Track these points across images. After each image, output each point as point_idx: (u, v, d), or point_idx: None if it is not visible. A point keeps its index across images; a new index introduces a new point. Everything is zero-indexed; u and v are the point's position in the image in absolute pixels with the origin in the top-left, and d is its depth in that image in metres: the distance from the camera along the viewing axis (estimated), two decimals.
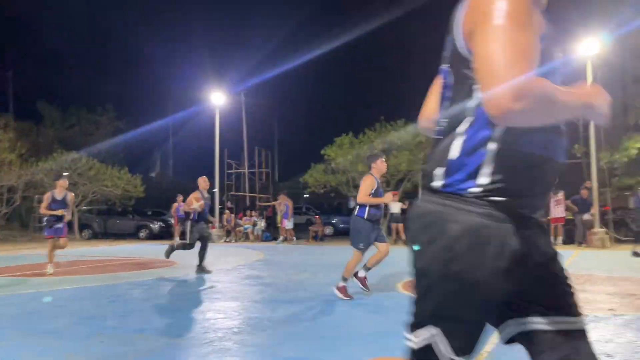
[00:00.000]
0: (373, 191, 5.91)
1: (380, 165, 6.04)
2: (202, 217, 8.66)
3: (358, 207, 5.97)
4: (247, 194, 23.59)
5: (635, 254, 11.20)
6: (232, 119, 23.67)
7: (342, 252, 13.52)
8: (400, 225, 16.03)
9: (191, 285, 7.47)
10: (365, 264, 6.23)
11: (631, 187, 16.06)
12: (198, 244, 8.66)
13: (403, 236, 16.06)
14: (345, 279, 5.99)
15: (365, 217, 5.90)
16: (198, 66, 60.24)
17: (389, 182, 18.69)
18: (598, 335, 4.24)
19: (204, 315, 5.29)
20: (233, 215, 20.77)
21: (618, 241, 15.51)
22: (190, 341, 4.16)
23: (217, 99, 20.70)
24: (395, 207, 16.14)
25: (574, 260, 10.43)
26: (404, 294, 6.43)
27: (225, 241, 19.30)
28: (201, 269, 8.56)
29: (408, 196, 17.73)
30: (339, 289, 5.99)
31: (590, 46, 14.54)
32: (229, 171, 23.81)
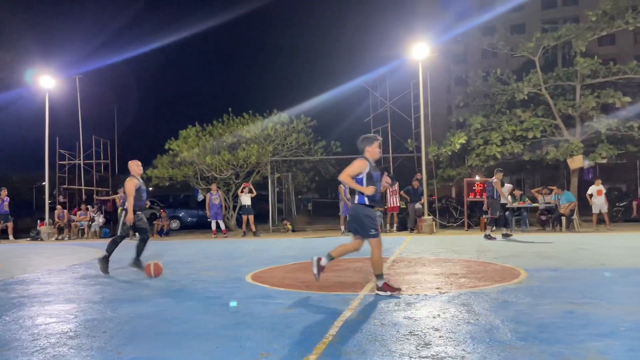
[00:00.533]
0: (364, 175, 5.47)
1: (374, 149, 5.61)
2: (137, 207, 7.76)
3: (357, 195, 5.52)
4: (83, 187, 21.74)
5: (505, 235, 12.88)
6: (66, 106, 21.61)
7: (189, 246, 13.20)
8: (251, 217, 16.09)
9: (16, 289, 6.69)
10: (330, 253, 5.75)
11: (453, 178, 18.06)
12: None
13: (253, 227, 16.14)
14: (381, 276, 5.52)
15: (367, 202, 5.49)
16: (20, 44, 53.74)
17: (239, 175, 18.65)
18: (427, 311, 4.71)
19: (33, 320, 4.78)
20: (66, 210, 19.03)
21: (443, 227, 17.34)
22: (16, 350, 3.73)
23: (47, 82, 18.70)
24: (246, 199, 16.16)
25: (407, 246, 11.43)
26: (253, 285, 6.48)
27: (57, 239, 17.62)
28: (137, 263, 7.76)
29: (258, 188, 17.87)
30: (381, 288, 5.49)
31: (420, 51, 15.97)
32: (62, 162, 21.70)
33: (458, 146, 17.15)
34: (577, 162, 15.85)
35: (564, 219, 15.08)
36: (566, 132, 16.93)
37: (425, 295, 5.50)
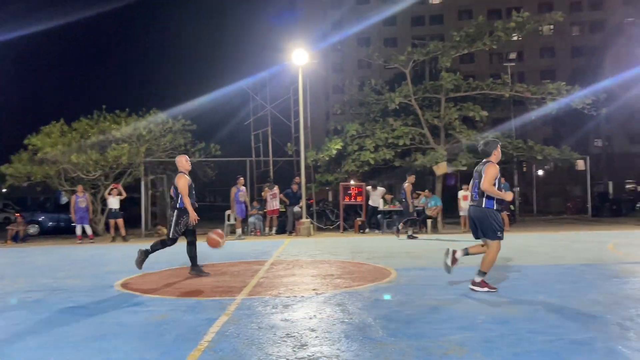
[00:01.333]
0: (496, 180, 5.52)
1: (499, 152, 5.71)
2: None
3: (485, 198, 5.55)
4: None
5: (411, 237, 13.45)
6: None
7: (50, 253, 12.07)
8: (120, 221, 15.17)
9: None
10: (468, 248, 5.89)
11: (330, 183, 18.60)
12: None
13: (123, 232, 15.24)
14: (484, 273, 5.65)
15: (495, 207, 5.57)
16: None
17: (108, 176, 17.50)
18: (303, 313, 4.77)
19: None
20: None
21: (320, 230, 17.76)
22: None
23: None
24: (114, 203, 15.19)
25: (285, 248, 11.52)
26: (122, 293, 6.10)
27: None
28: (197, 269, 7.31)
29: (130, 190, 16.90)
30: (478, 283, 5.63)
31: (300, 56, 16.25)
32: None
33: (334, 152, 17.70)
34: (441, 168, 17.13)
35: (429, 221, 16.22)
36: (432, 140, 18.21)
37: (302, 296, 5.58)
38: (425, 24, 57.49)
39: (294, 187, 16.37)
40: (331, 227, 17.92)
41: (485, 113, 17.80)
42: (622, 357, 3.30)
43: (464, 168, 17.06)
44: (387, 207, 16.83)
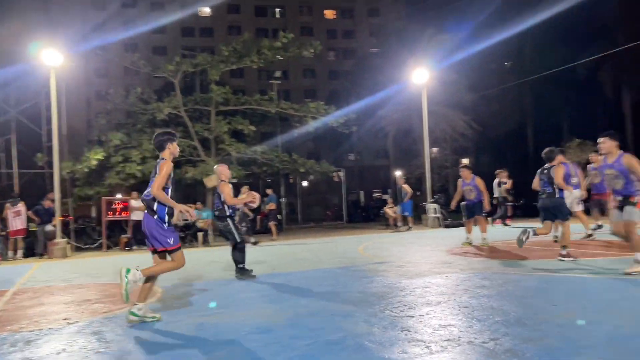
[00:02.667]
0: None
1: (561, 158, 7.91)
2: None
3: (557, 190, 7.67)
4: None
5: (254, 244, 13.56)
6: None
7: None
8: None
9: None
10: (535, 230, 7.78)
11: (91, 197, 17.02)
12: None
13: None
14: (566, 247, 7.51)
15: (564, 196, 7.83)
16: None
17: None
18: (50, 348, 4.17)
19: None
20: None
21: (79, 249, 16.09)
22: None
23: None
24: None
25: (33, 274, 10.08)
26: None
27: None
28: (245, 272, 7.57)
29: None
30: (565, 255, 7.40)
31: (52, 57, 14.53)
32: None
33: (94, 162, 16.27)
34: (212, 180, 17.15)
35: (200, 234, 16.04)
36: (203, 153, 18.14)
37: (50, 329, 4.89)
38: (196, 35, 57.41)
39: (47, 202, 14.52)
40: (92, 246, 16.39)
41: (253, 128, 18.45)
42: (368, 351, 3.66)
43: (234, 180, 17.36)
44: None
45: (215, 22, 57.84)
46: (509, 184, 17.98)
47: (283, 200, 23.73)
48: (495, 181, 16.50)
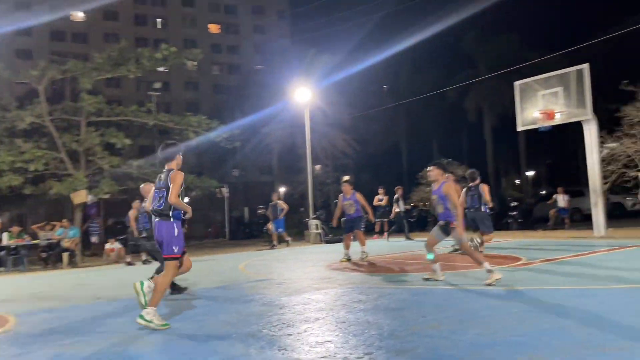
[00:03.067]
0: None
1: None
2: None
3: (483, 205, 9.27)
4: None
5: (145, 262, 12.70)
6: None
7: None
8: None
9: None
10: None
11: None
12: None
13: None
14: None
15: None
16: None
17: None
18: None
19: None
20: None
21: None
22: None
23: None
24: None
25: None
26: None
27: None
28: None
29: None
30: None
31: None
32: None
33: None
34: (80, 196, 15.90)
35: (65, 255, 14.73)
36: (71, 166, 16.79)
37: None
38: (67, 40, 53.55)
39: None
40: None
41: (128, 141, 17.46)
42: None
43: (107, 196, 16.27)
44: (13, 242, 14.52)
45: (90, 28, 54.42)
46: (385, 200, 18.84)
47: None
48: (395, 197, 17.21)
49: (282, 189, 43.37)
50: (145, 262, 13.38)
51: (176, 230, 5.29)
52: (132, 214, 13.43)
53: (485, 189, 9.52)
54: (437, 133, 40.88)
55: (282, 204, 16.92)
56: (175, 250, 5.27)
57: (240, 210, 41.98)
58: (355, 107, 32.63)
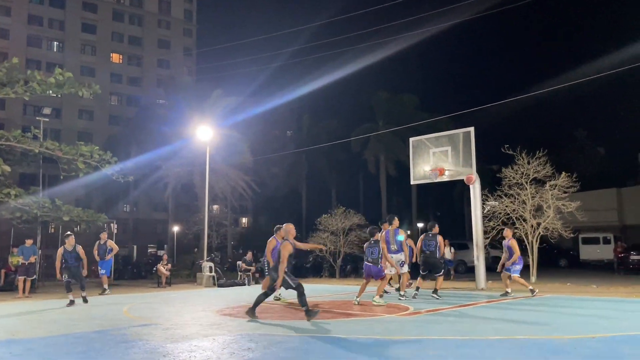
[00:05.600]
0: None
1: None
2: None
3: (438, 251, 11.32)
4: None
5: None
6: None
7: None
8: None
9: None
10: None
11: None
12: None
13: None
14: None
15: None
16: None
17: None
18: None
19: None
20: None
21: None
22: None
23: None
24: None
25: None
26: None
27: None
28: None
29: None
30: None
31: None
32: None
33: None
34: None
35: None
36: None
37: None
38: None
39: None
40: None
41: (7, 168, 16.02)
42: None
43: None
44: None
45: None
46: None
47: (40, 252, 20.76)
48: None
49: (176, 228, 41.80)
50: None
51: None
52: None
53: (441, 239, 11.68)
54: (336, 181, 41.99)
55: (112, 244, 15.81)
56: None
57: (128, 248, 39.71)
58: (257, 149, 32.75)
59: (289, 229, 8.46)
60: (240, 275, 18.76)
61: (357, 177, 44.16)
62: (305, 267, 24.94)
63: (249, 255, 19.30)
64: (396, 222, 11.25)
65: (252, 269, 18.76)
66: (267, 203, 44.08)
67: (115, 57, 60.00)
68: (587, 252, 28.66)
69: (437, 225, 11.85)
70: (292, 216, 46.43)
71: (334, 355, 5.40)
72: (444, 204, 46.43)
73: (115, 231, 27.12)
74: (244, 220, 59.28)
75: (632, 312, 9.00)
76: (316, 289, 15.31)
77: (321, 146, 31.64)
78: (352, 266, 23.81)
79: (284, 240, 8.36)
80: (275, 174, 39.39)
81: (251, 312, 8.38)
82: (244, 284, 17.75)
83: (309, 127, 41.43)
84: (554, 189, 16.46)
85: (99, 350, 6.04)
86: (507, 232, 11.83)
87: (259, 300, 8.46)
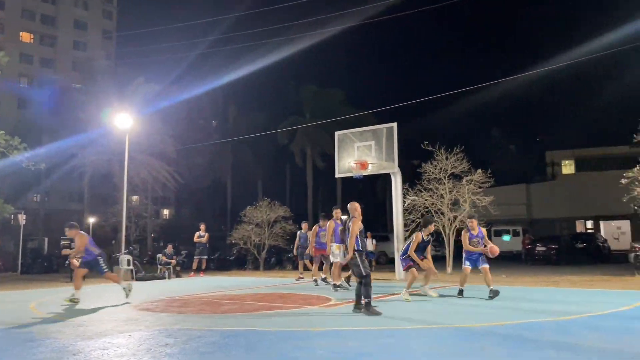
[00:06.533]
0: None
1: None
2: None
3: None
4: None
5: None
6: None
7: None
8: None
9: None
10: None
11: None
12: None
13: None
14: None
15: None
16: None
17: None
18: None
19: None
20: None
21: None
22: None
23: None
24: None
25: None
26: None
27: None
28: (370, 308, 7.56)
29: None
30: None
31: None
32: None
33: None
34: None
35: None
36: None
37: None
38: None
39: None
40: None
41: None
42: None
43: None
44: None
45: None
46: (206, 237, 18.42)
47: None
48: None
49: (92, 219, 39.81)
50: None
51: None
52: None
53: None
54: (262, 173, 41.72)
55: None
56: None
57: (39, 240, 37.36)
58: (181, 139, 31.80)
59: (355, 206, 8.31)
60: (161, 269, 18.19)
61: (283, 170, 44.11)
62: (229, 259, 24.62)
63: (169, 248, 18.75)
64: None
65: (173, 262, 18.26)
66: (190, 194, 43.04)
67: (26, 36, 56.01)
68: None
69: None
70: (216, 208, 45.67)
71: (255, 349, 5.35)
72: (368, 197, 47.48)
73: (23, 222, 25.45)
74: (166, 212, 57.50)
75: (537, 300, 9.63)
76: (240, 282, 15.15)
77: (247, 137, 31.27)
78: (276, 258, 23.78)
79: (352, 217, 8.04)
80: (200, 164, 38.46)
81: (367, 307, 7.61)
82: (164, 278, 17.23)
83: (235, 117, 40.81)
84: (470, 184, 17.25)
85: (4, 350, 5.63)
86: (474, 223, 9.86)
87: (360, 293, 7.75)
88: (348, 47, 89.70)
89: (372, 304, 7.74)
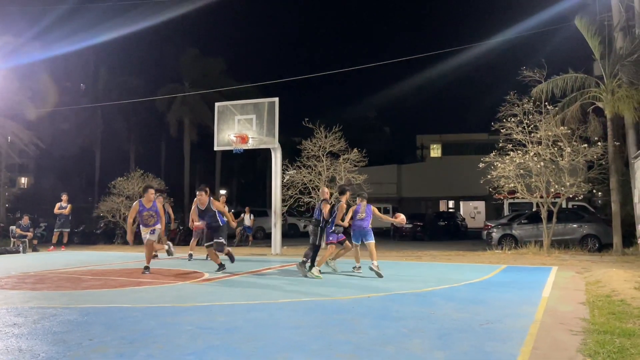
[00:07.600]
0: None
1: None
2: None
3: None
4: None
5: None
6: None
7: None
8: None
9: None
10: None
11: None
12: None
13: None
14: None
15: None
16: None
17: None
18: None
19: None
20: None
21: None
22: None
23: None
24: None
25: None
26: None
27: None
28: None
29: None
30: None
31: None
32: None
33: None
34: None
35: None
36: None
37: None
38: None
39: None
40: None
41: None
42: None
43: None
44: None
45: None
46: (68, 208, 17.07)
47: None
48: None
49: None
50: None
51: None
52: None
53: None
54: (135, 143, 39.45)
55: None
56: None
57: None
58: (42, 101, 28.86)
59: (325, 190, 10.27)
60: (14, 242, 16.55)
61: (159, 140, 42.04)
62: (96, 233, 23.10)
63: (25, 220, 17.06)
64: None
65: (29, 234, 16.68)
66: (54, 162, 39.40)
67: None
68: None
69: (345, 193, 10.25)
70: (83, 178, 42.46)
71: (117, 327, 5.04)
72: (248, 172, 47.10)
73: None
74: (23, 180, 52.26)
75: (402, 274, 10.25)
76: (107, 257, 14.27)
77: (120, 103, 29.25)
78: None
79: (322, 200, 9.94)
80: (65, 130, 35.28)
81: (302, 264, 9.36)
82: (19, 252, 15.69)
83: (107, 81, 37.88)
84: (347, 162, 17.79)
85: None
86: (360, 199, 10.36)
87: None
88: (233, 15, 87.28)
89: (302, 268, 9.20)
